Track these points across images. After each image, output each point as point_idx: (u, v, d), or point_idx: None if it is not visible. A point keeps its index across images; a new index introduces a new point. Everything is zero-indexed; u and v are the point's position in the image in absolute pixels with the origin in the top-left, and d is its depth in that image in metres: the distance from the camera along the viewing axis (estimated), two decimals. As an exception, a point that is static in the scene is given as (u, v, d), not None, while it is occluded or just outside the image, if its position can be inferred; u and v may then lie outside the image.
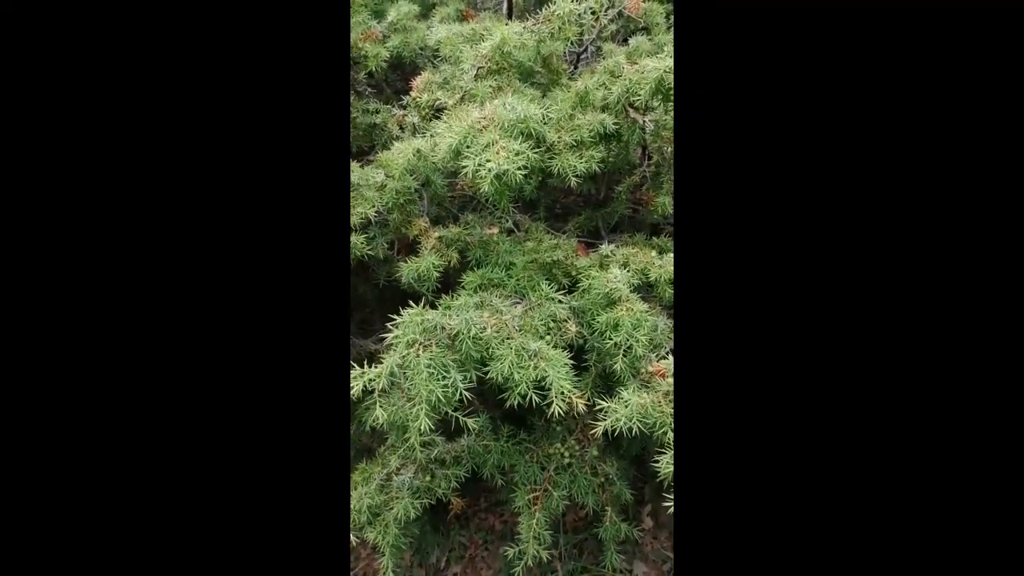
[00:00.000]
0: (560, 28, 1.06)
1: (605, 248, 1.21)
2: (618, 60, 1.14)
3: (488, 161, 0.79)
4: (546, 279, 1.26)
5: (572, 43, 1.36)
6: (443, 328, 0.87)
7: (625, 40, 1.59)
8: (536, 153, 0.87)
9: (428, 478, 1.24)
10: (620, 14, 1.33)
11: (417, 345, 0.85)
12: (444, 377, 0.84)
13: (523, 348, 0.89)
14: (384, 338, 1.66)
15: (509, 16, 1.91)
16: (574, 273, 1.28)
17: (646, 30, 1.62)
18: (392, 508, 1.20)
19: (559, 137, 1.01)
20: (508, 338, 0.91)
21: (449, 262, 1.27)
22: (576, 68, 1.73)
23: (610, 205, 1.58)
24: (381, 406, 0.79)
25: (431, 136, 1.09)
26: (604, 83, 1.12)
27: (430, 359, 0.84)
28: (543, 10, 1.09)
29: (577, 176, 1.05)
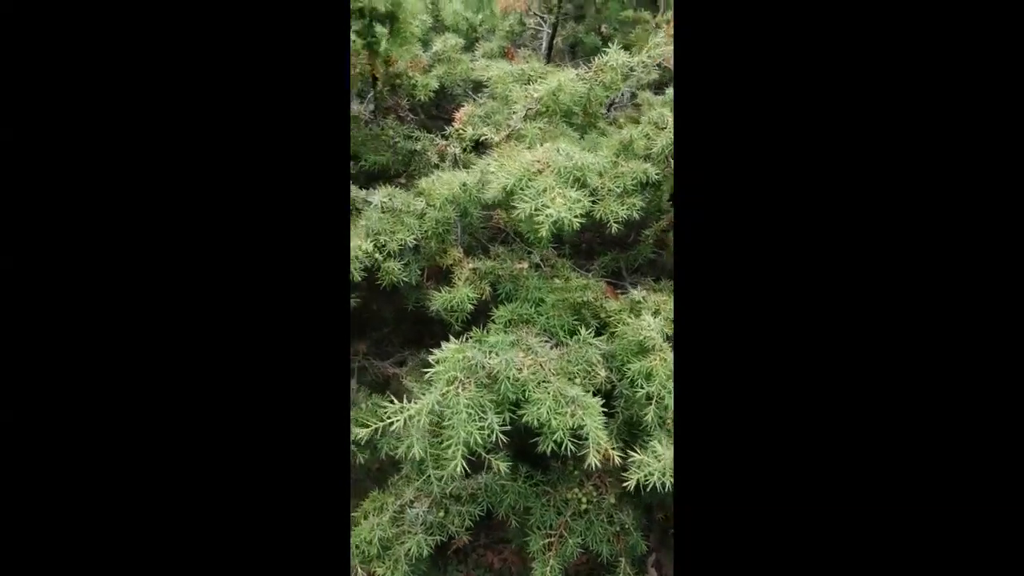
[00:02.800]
0: (612, 79, 1.09)
1: (636, 293, 1.21)
2: (662, 112, 1.16)
3: (546, 207, 0.80)
4: (575, 319, 1.26)
5: (610, 90, 1.40)
6: (483, 367, 0.87)
7: (659, 88, 1.63)
8: (586, 198, 0.88)
9: (442, 513, 1.22)
10: (659, 65, 1.36)
11: (457, 383, 0.85)
12: (482, 418, 0.83)
13: (561, 394, 0.88)
14: (402, 361, 1.66)
15: (548, 58, 1.96)
16: (603, 316, 1.28)
17: (669, 82, 1.66)
18: (403, 542, 1.17)
19: (602, 183, 1.03)
20: (545, 381, 0.90)
21: (482, 295, 1.27)
22: (609, 112, 1.76)
23: (635, 248, 1.59)
24: (417, 442, 0.78)
25: (481, 172, 1.11)
26: (648, 134, 1.14)
27: (469, 399, 0.83)
28: (595, 59, 1.12)
29: (618, 222, 1.06)
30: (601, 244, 1.79)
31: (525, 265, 1.40)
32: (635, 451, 1.07)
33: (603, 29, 2.12)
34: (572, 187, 0.87)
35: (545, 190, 0.84)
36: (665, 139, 1.09)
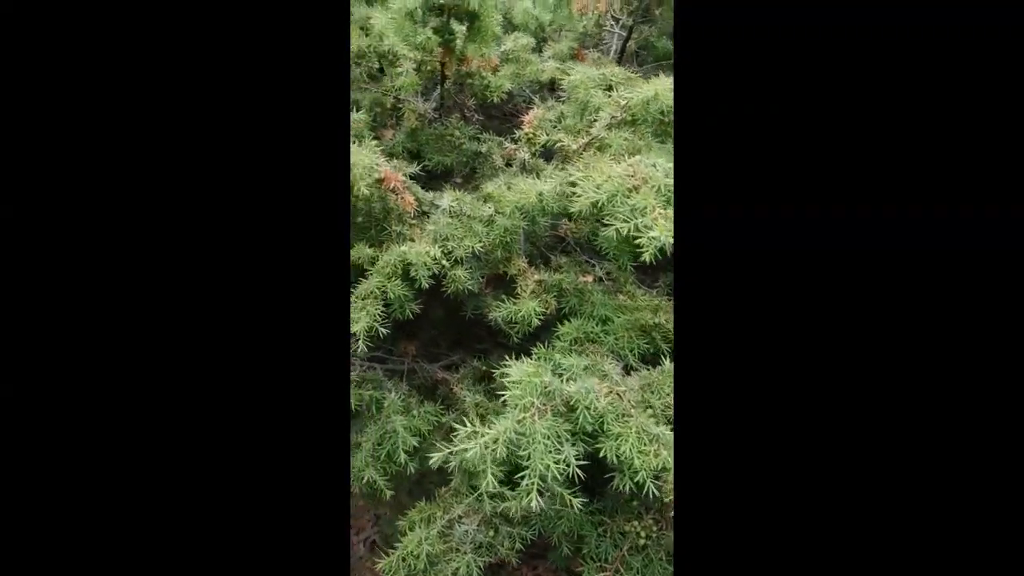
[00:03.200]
0: (711, 88, 1.01)
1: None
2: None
3: (649, 230, 0.73)
4: (646, 342, 1.19)
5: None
6: (560, 394, 0.80)
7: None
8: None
9: (492, 533, 1.17)
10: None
11: (534, 410, 0.79)
12: (558, 450, 0.77)
13: (644, 430, 0.81)
14: (450, 365, 1.61)
15: (620, 60, 1.88)
16: (673, 337, 1.21)
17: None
18: (450, 560, 1.13)
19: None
20: (626, 415, 0.84)
21: (547, 309, 1.21)
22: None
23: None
24: (492, 473, 0.73)
25: (560, 182, 1.04)
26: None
27: (547, 428, 0.77)
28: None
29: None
30: (661, 261, 1.71)
31: (590, 279, 1.34)
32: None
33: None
34: (670, 205, 0.80)
35: (645, 209, 0.77)
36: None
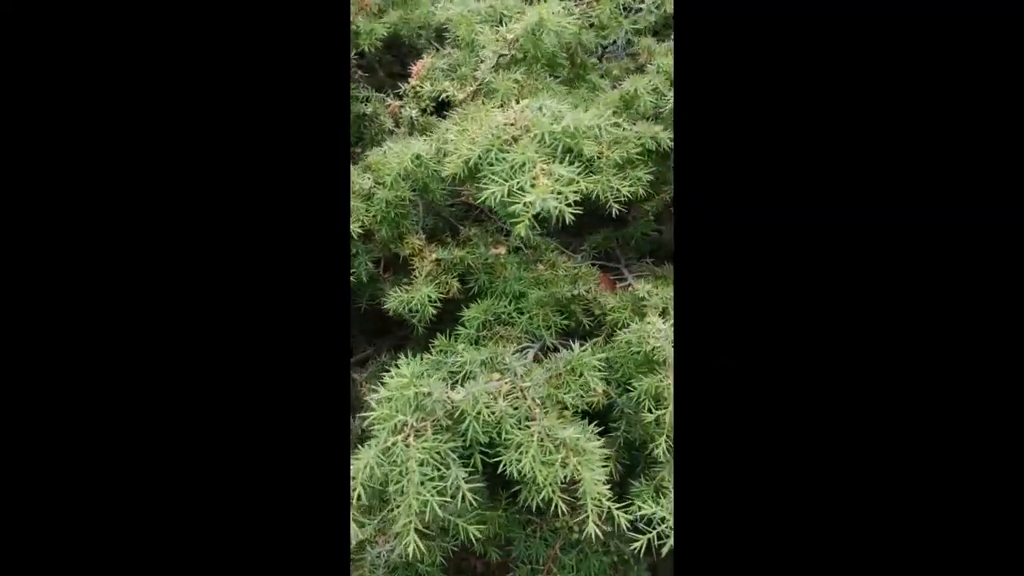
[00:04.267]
0: (610, 14, 0.83)
1: (640, 287, 0.99)
2: (670, 62, 0.92)
3: (525, 194, 0.56)
4: (564, 318, 1.04)
5: (603, 33, 1.13)
6: (444, 404, 0.65)
7: (663, 34, 1.37)
8: (579, 174, 0.64)
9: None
10: (658, 6, 1.10)
11: (408, 430, 0.63)
12: (442, 475, 0.62)
13: (549, 435, 0.67)
14: (363, 360, 1.43)
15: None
16: (597, 312, 1.07)
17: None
18: (362, 589, 0.98)
19: (599, 152, 0.78)
20: (528, 419, 0.69)
21: (448, 292, 1.04)
22: (601, 62, 1.50)
23: (631, 224, 1.36)
24: (355, 520, 0.57)
25: (437, 139, 0.86)
26: (656, 87, 0.90)
27: (424, 451, 0.61)
28: (587, -11, 0.86)
29: (619, 202, 0.83)
30: (591, 221, 1.56)
31: (502, 250, 1.17)
32: (635, 483, 0.88)
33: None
34: (561, 160, 0.63)
35: (523, 165, 0.60)
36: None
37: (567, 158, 0.65)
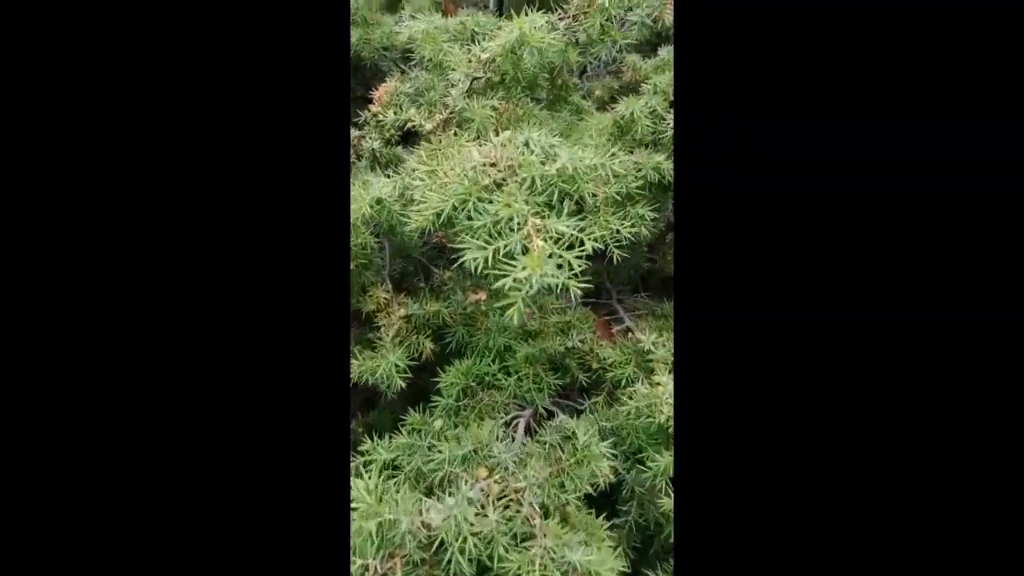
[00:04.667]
0: (598, 28, 0.71)
1: (645, 338, 0.85)
2: (664, 81, 0.80)
3: (515, 263, 0.42)
4: (556, 378, 0.90)
5: (590, 50, 1.01)
6: (417, 533, 0.49)
7: (653, 50, 1.26)
8: (583, 230, 0.51)
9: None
10: (654, 20, 0.98)
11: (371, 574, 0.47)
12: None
13: (553, 557, 0.52)
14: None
15: (499, 13, 1.55)
16: (596, 366, 0.93)
17: (665, 40, 1.29)
18: None
19: (593, 187, 0.65)
20: (526, 537, 0.54)
21: (420, 355, 0.89)
22: (581, 80, 1.38)
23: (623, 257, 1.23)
24: None
25: (403, 178, 0.72)
26: (654, 109, 0.78)
27: (394, 603, 0.46)
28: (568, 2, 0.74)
29: (620, 245, 0.69)
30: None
31: (482, 296, 1.02)
32: (649, 574, 0.74)
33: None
34: (557, 209, 0.50)
35: (511, 219, 0.46)
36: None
37: (564, 206, 0.51)
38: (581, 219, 0.55)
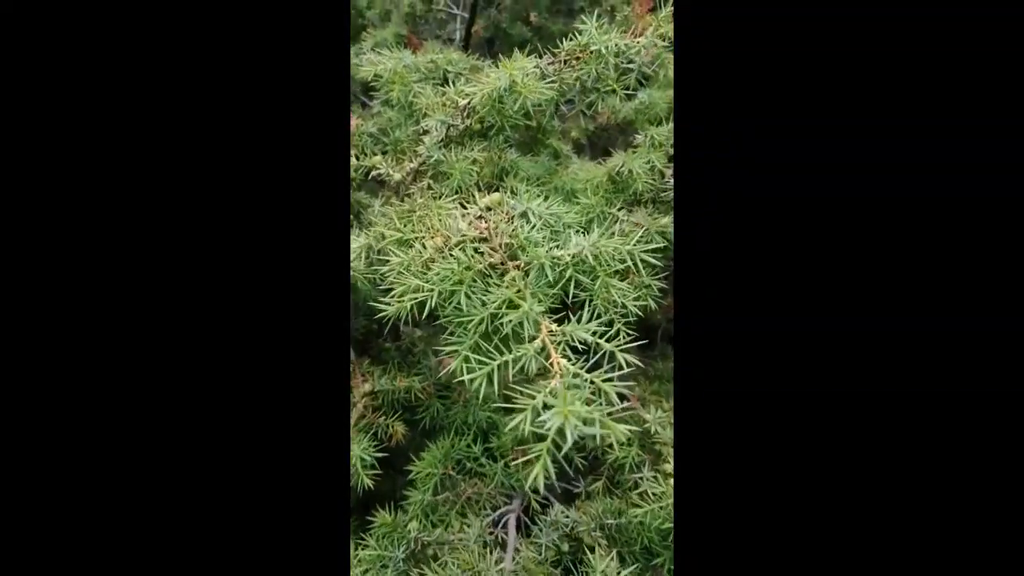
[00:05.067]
0: (598, 75, 0.63)
1: (651, 415, 0.76)
2: (671, 128, 0.72)
3: (548, 414, 0.31)
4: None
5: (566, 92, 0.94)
6: None
7: (629, 92, 1.20)
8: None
9: None
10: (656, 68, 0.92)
11: None
12: None
13: None
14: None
15: (465, 48, 1.48)
16: (592, 446, 0.83)
17: (645, 80, 1.24)
18: None
19: (614, 256, 0.54)
20: None
21: (390, 437, 0.76)
22: (555, 121, 1.31)
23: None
24: None
25: (368, 237, 0.60)
26: (653, 164, 0.70)
27: None
28: (564, 42, 0.66)
29: (628, 322, 0.60)
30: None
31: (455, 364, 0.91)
32: None
33: (532, 18, 1.67)
34: (573, 308, 0.40)
35: (521, 336, 0.35)
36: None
37: (571, 299, 0.41)
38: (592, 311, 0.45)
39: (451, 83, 0.77)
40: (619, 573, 0.53)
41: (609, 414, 0.34)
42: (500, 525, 0.71)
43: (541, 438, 0.32)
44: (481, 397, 0.36)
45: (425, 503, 0.72)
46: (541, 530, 0.69)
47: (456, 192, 0.63)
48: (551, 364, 0.34)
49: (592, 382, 0.34)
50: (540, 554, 0.67)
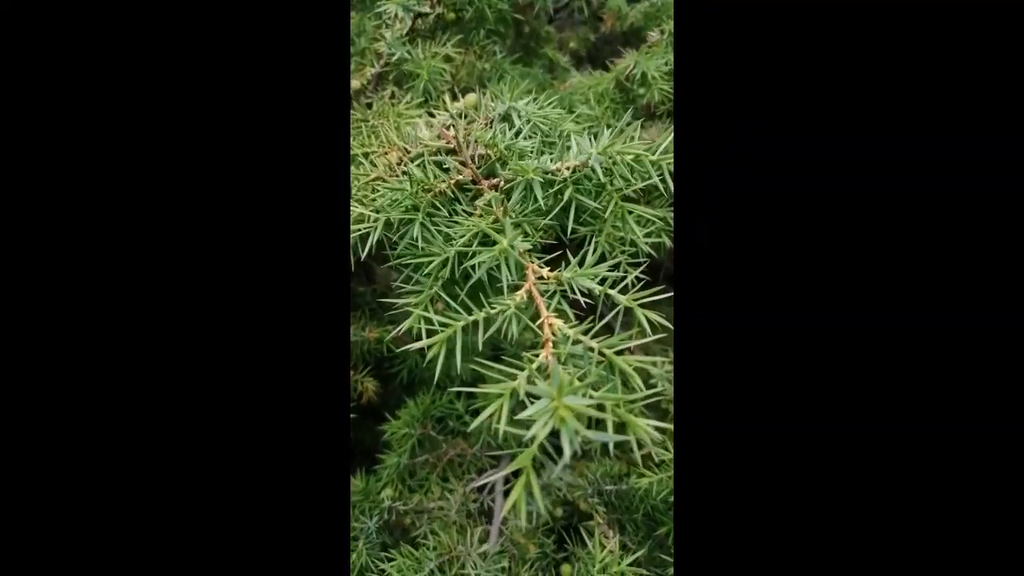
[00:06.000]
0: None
1: (658, 370, 0.66)
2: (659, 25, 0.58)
3: (535, 412, 0.21)
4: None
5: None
6: None
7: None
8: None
9: None
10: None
11: None
12: None
13: None
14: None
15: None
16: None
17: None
18: None
19: (633, 168, 0.41)
20: None
21: (360, 396, 0.66)
22: (550, 29, 1.14)
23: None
24: None
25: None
26: (668, 62, 0.56)
27: None
28: None
29: (635, 260, 0.48)
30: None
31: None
32: None
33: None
34: (568, 237, 0.28)
35: (496, 265, 0.24)
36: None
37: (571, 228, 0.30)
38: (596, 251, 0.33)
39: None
40: (621, 557, 0.44)
41: (630, 402, 0.23)
42: (486, 491, 0.63)
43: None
44: (438, 370, 0.26)
45: (401, 467, 0.63)
46: (531, 496, 0.62)
47: (424, 98, 0.50)
48: (541, 326, 0.23)
49: (602, 353, 0.23)
50: (531, 522, 0.60)
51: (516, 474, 0.68)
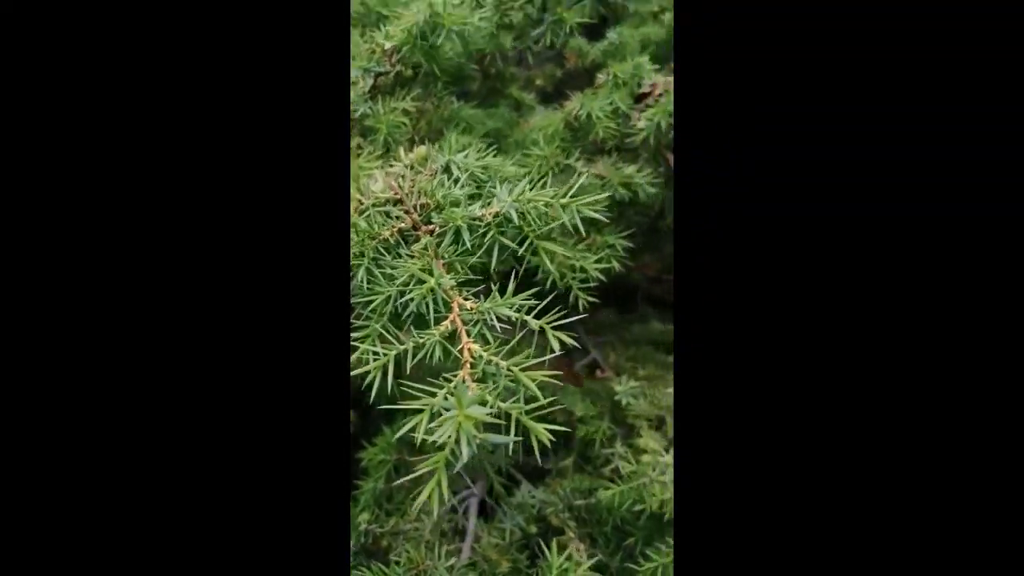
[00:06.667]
0: (543, 5, 0.53)
1: (622, 385, 0.70)
2: (639, 62, 0.63)
3: (446, 420, 0.25)
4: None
5: (527, 35, 0.84)
6: None
7: (594, 31, 1.09)
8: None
9: None
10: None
11: None
12: None
13: None
14: None
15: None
16: (560, 419, 0.77)
17: (610, 16, 1.12)
18: None
19: (545, 212, 0.47)
20: None
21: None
22: (520, 69, 1.21)
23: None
24: None
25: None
26: (616, 105, 0.61)
27: None
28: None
29: (587, 288, 0.53)
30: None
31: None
32: None
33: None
34: (494, 272, 0.33)
35: (425, 298, 0.28)
36: (660, 113, 0.57)
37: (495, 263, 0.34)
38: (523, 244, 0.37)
39: (381, 27, 0.67)
40: (580, 567, 0.47)
41: (535, 409, 0.27)
42: (461, 511, 0.66)
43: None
44: (374, 393, 0.29)
45: (378, 492, 0.66)
46: (505, 513, 0.65)
47: (384, 150, 0.55)
48: (461, 351, 0.27)
49: (510, 370, 0.27)
50: (504, 539, 0.62)
51: (490, 492, 0.71)
